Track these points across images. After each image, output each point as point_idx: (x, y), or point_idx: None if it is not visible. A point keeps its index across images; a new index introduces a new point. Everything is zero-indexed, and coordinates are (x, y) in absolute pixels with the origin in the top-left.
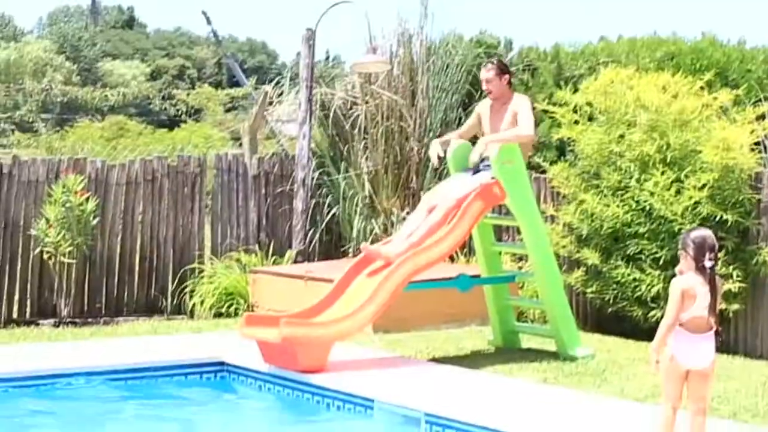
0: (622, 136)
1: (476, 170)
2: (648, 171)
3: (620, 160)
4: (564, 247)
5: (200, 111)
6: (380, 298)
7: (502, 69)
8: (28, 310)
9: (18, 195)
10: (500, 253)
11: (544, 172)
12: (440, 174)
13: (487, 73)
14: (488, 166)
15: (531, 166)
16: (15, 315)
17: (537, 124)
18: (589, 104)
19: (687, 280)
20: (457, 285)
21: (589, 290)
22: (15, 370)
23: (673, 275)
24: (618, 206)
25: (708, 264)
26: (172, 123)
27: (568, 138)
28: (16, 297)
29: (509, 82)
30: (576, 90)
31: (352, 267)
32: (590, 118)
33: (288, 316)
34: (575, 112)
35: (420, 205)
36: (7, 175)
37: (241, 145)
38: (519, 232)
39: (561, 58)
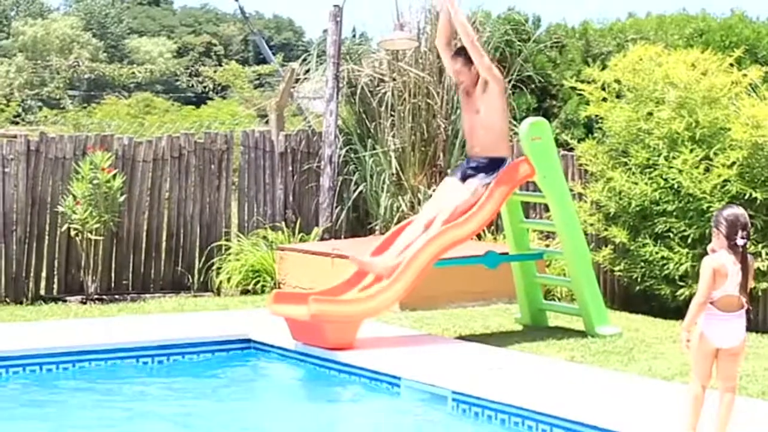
0: (650, 114)
1: (464, 174)
2: (676, 149)
3: (648, 137)
4: (592, 225)
5: (227, 88)
6: (408, 276)
7: (469, 57)
8: (55, 286)
9: (45, 172)
10: (527, 230)
11: (571, 149)
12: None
13: (455, 62)
14: (475, 168)
15: (559, 144)
16: (42, 292)
17: (565, 102)
18: (618, 81)
19: (718, 259)
20: (485, 262)
21: (616, 268)
22: (43, 347)
23: (702, 253)
24: (646, 184)
25: (740, 242)
26: (199, 100)
27: (596, 115)
28: (44, 274)
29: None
30: (604, 67)
31: (381, 243)
32: (618, 96)
33: (317, 293)
34: (603, 89)
35: (418, 217)
36: (35, 151)
37: (267, 122)
38: (547, 210)
39: (589, 34)
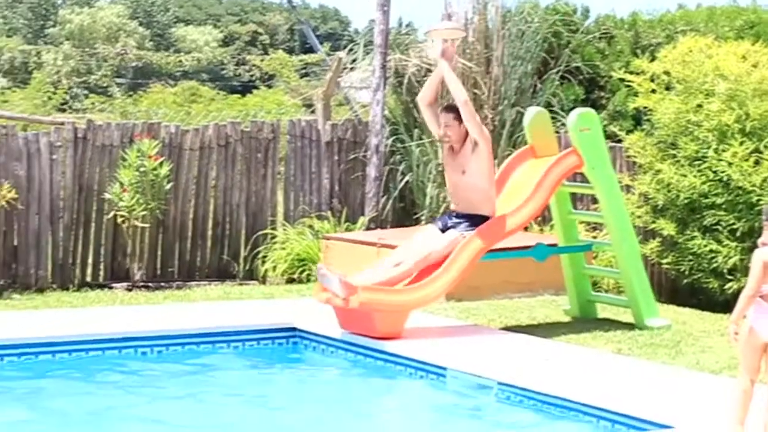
0: (699, 106)
1: (445, 225)
2: (726, 141)
3: (698, 129)
4: (639, 217)
5: (273, 77)
6: (457, 266)
7: (459, 113)
8: (101, 273)
9: (93, 159)
10: (576, 222)
11: (620, 141)
12: (515, 142)
13: (446, 116)
14: (457, 222)
15: (607, 136)
16: (89, 278)
17: (613, 93)
18: (667, 73)
19: None
20: (535, 254)
21: (664, 261)
22: (89, 333)
23: (751, 247)
24: (695, 176)
25: None
26: (244, 89)
27: (645, 107)
28: (90, 260)
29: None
30: (653, 58)
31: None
32: (667, 87)
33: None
34: (652, 80)
35: (390, 254)
36: (82, 139)
37: (313, 111)
38: (594, 201)
39: (638, 26)
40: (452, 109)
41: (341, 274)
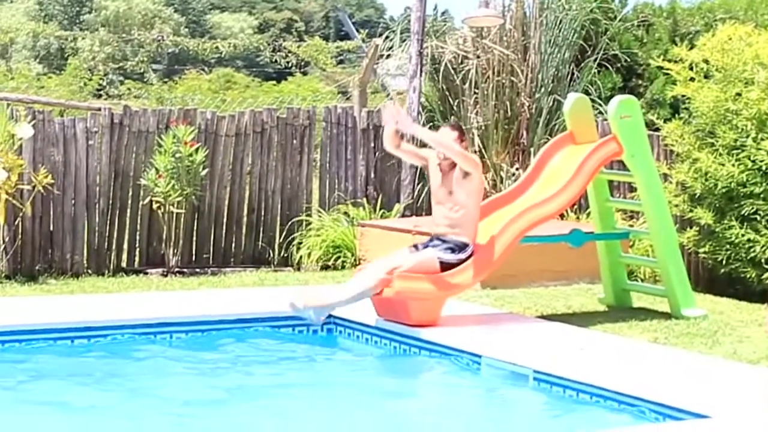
0: (739, 94)
1: (424, 247)
2: (765, 130)
3: (736, 118)
4: (677, 206)
5: (308, 64)
6: (494, 253)
7: (462, 132)
8: (137, 259)
9: (128, 145)
10: (613, 209)
11: (657, 129)
12: (551, 130)
13: (451, 134)
14: (436, 245)
15: (645, 124)
16: (124, 264)
17: (651, 81)
18: (706, 61)
19: None
20: (571, 240)
21: (701, 250)
22: (124, 318)
23: None
24: (733, 165)
25: None
26: (279, 76)
27: (683, 95)
28: (125, 246)
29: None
30: (692, 46)
31: None
32: (706, 76)
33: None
34: (691, 69)
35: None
36: (118, 125)
37: (348, 99)
38: (631, 190)
39: (677, 13)
40: (457, 128)
41: (314, 305)
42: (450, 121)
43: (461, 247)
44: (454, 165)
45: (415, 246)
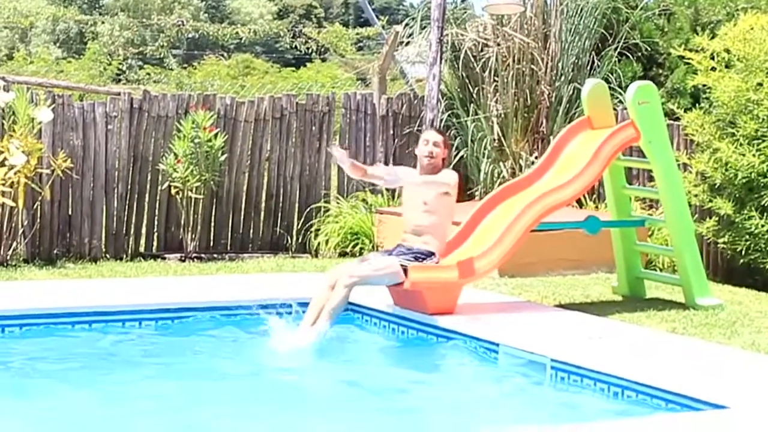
0: (760, 84)
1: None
2: None
3: (757, 108)
4: (696, 195)
5: (327, 50)
6: (509, 240)
7: (446, 137)
8: (155, 244)
9: (148, 130)
10: (630, 197)
11: (678, 119)
12: (571, 118)
13: (435, 136)
14: (401, 253)
15: (665, 113)
16: (142, 249)
17: (671, 70)
18: (727, 51)
19: None
20: (587, 227)
21: (720, 240)
22: (142, 303)
23: None
24: (754, 155)
25: None
26: (298, 62)
27: (704, 85)
28: (144, 231)
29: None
30: (713, 36)
31: (480, 208)
32: (727, 65)
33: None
34: (712, 58)
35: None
36: (138, 109)
37: (367, 85)
38: (651, 179)
39: (698, 3)
40: (442, 133)
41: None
42: (434, 126)
43: (427, 255)
44: (438, 169)
45: (385, 253)
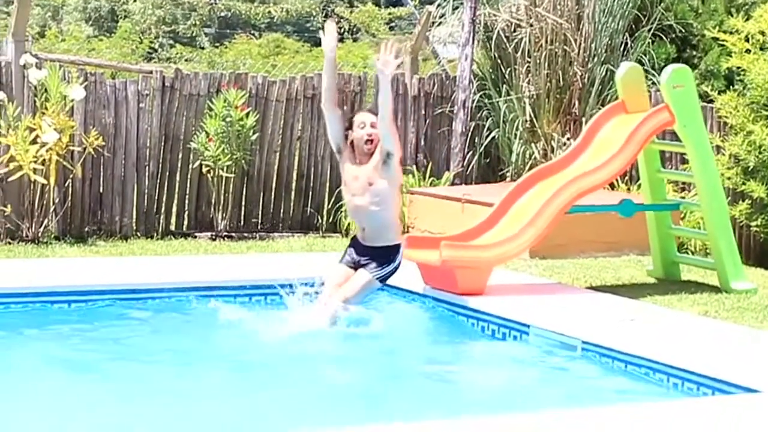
0: None
1: (356, 263)
2: None
3: None
4: (729, 178)
5: (359, 31)
6: (542, 221)
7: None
8: (185, 222)
9: (179, 108)
10: (664, 180)
11: (711, 101)
12: (603, 100)
13: (371, 117)
14: (368, 260)
15: (699, 95)
16: (173, 227)
17: (705, 52)
18: (762, 33)
19: None
20: (621, 211)
21: (753, 224)
22: (173, 281)
23: None
24: None
25: None
26: None
27: (738, 67)
28: (174, 209)
29: None
30: (748, 18)
31: (513, 189)
32: (762, 48)
33: (448, 238)
34: (747, 40)
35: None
36: (170, 88)
37: (398, 66)
38: (684, 162)
39: None
40: (374, 112)
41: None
42: (364, 107)
43: (393, 252)
44: (373, 152)
45: (348, 256)
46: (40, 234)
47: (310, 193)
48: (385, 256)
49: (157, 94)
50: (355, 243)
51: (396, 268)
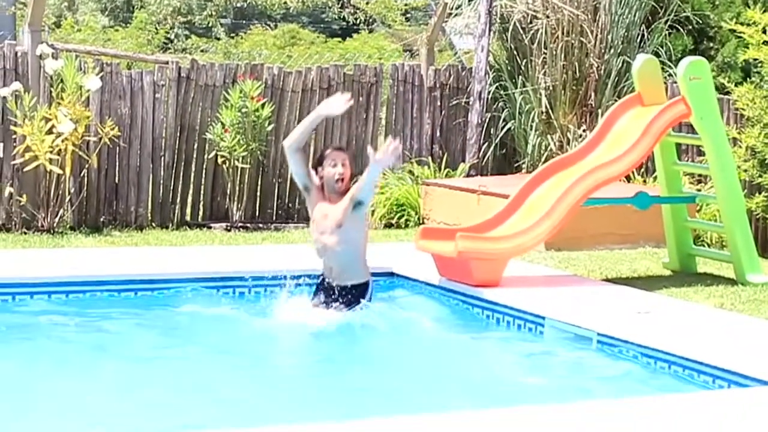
0: None
1: (327, 303)
2: None
3: None
4: (746, 171)
5: (374, 21)
6: (558, 213)
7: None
8: (200, 213)
9: (195, 99)
10: (680, 173)
11: (728, 93)
12: (620, 92)
13: (342, 155)
14: (341, 305)
15: (715, 87)
16: (188, 218)
17: (722, 44)
18: None
19: None
20: (636, 203)
21: None
22: (188, 271)
23: None
24: None
25: None
26: (344, 33)
27: (755, 59)
28: (189, 200)
29: None
30: (766, 9)
31: (529, 181)
32: None
33: (463, 229)
34: (764, 32)
35: None
36: (185, 78)
37: (413, 57)
38: (700, 154)
39: None
40: (345, 150)
41: None
42: (334, 145)
43: (361, 291)
44: (345, 191)
45: (315, 298)
46: (55, 224)
47: None
48: (355, 297)
49: (172, 85)
50: (323, 286)
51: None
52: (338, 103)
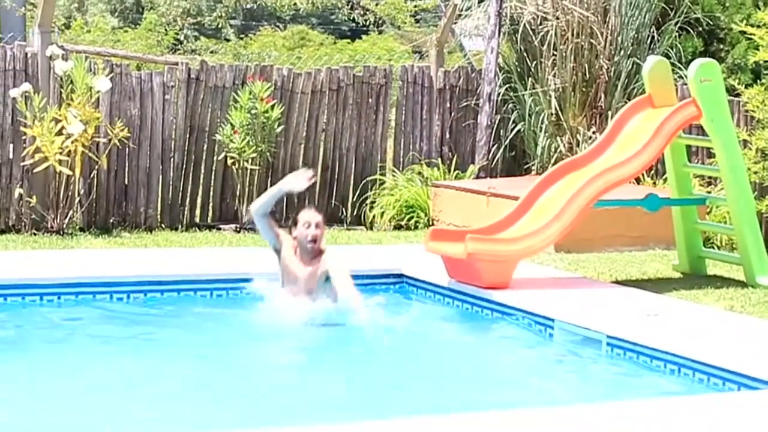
0: None
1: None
2: None
3: None
4: (756, 173)
5: (384, 23)
6: (568, 215)
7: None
8: (210, 214)
9: (204, 100)
10: (690, 175)
11: (738, 95)
12: (630, 93)
13: (316, 216)
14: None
15: (726, 89)
16: (197, 219)
17: (733, 46)
18: None
19: None
20: (646, 205)
21: None
22: (197, 273)
23: None
24: None
25: None
26: (353, 34)
27: (765, 61)
28: (199, 201)
29: None
30: None
31: (539, 182)
32: None
33: (473, 231)
34: None
35: None
36: (195, 80)
37: (422, 58)
38: (710, 156)
39: None
40: (320, 211)
41: None
42: (309, 205)
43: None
44: (319, 253)
45: None
46: (65, 225)
47: (335, 185)
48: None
49: (182, 86)
50: None
51: None
52: (300, 180)
